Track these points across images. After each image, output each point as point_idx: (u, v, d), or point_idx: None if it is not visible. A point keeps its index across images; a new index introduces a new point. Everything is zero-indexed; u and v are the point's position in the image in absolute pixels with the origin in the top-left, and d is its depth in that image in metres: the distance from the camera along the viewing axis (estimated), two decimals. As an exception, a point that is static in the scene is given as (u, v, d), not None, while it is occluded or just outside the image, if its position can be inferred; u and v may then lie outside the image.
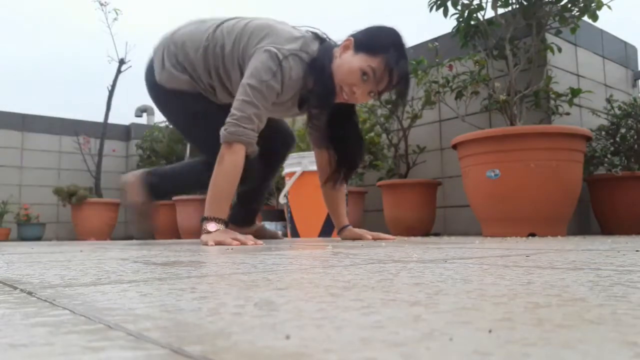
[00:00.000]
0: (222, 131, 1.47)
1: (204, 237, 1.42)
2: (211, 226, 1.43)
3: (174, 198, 3.84)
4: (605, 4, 2.13)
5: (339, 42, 1.55)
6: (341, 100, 1.52)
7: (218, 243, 1.35)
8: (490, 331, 0.25)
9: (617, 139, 2.38)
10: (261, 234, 1.91)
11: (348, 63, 1.47)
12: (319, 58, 1.51)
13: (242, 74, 1.54)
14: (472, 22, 2.29)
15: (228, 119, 1.47)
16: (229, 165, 1.46)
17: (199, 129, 1.70)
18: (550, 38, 2.37)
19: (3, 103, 5.18)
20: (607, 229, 2.34)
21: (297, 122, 3.60)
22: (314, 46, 1.54)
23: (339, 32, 1.58)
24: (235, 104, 1.48)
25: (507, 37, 2.19)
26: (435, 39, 2.85)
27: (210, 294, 0.40)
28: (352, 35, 1.51)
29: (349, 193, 2.38)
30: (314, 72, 1.50)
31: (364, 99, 1.52)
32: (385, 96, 2.64)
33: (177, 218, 3.80)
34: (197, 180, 1.79)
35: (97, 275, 0.57)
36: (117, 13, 4.04)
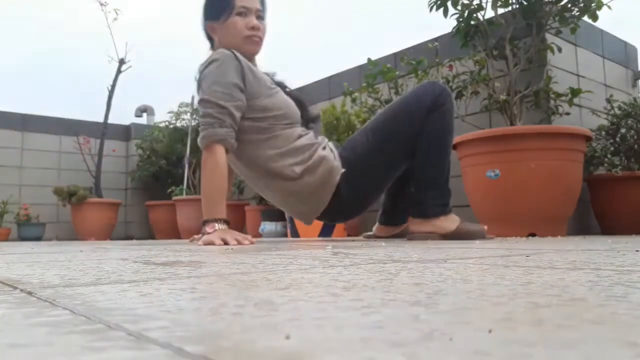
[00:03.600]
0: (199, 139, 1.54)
1: (204, 237, 1.43)
2: (211, 227, 1.46)
3: (174, 198, 3.84)
4: (605, 4, 2.13)
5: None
6: (257, 45, 1.67)
7: (212, 243, 1.36)
8: (490, 331, 0.25)
9: (617, 139, 2.38)
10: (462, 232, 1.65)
11: (229, 28, 1.63)
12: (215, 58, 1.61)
13: None
14: (472, 22, 2.28)
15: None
16: (213, 166, 1.50)
17: None
18: (550, 38, 2.37)
19: (3, 103, 5.17)
20: (607, 229, 2.34)
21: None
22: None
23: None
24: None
25: (507, 37, 2.19)
26: (435, 39, 2.84)
27: (210, 294, 0.40)
28: (205, 22, 1.69)
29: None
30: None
31: (259, 24, 1.66)
32: (385, 96, 2.65)
33: (177, 218, 3.80)
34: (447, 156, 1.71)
35: (97, 275, 0.57)
36: (117, 13, 4.05)
